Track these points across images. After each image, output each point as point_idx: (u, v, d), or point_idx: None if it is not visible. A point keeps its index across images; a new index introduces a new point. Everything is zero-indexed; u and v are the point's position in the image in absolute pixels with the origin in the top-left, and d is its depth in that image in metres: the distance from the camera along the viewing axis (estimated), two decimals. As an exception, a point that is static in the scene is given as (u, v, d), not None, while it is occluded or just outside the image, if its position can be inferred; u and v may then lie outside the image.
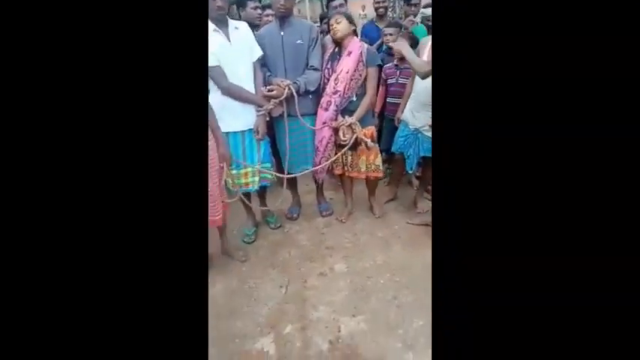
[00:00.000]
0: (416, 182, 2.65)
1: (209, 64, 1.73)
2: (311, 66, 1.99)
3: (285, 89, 1.89)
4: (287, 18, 1.96)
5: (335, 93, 2.00)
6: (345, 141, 2.03)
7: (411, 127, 2.14)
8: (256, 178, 2.02)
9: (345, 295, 1.73)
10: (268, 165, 2.07)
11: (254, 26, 1.97)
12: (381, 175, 2.25)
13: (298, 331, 1.54)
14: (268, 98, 1.91)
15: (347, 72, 1.97)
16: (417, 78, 2.04)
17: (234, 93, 1.83)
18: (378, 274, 1.85)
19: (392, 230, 2.24)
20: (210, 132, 1.65)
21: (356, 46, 1.98)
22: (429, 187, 2.51)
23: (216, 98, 1.82)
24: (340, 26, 1.94)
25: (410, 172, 2.37)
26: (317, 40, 2.00)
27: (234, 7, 2.22)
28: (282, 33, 1.96)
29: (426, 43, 2.03)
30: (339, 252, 2.06)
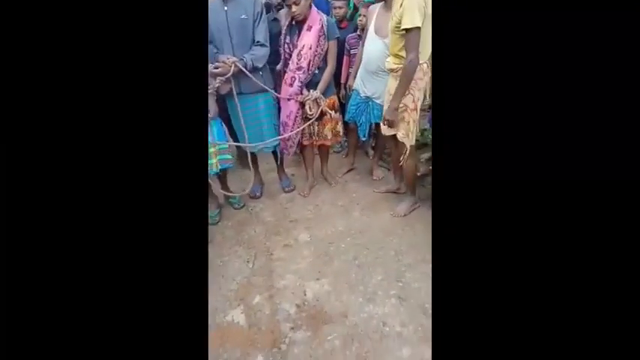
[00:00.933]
0: (372, 152, 2.76)
1: None
2: (257, 42, 1.97)
3: (231, 66, 1.88)
4: None
5: (299, 69, 2.02)
6: (311, 115, 2.08)
7: (362, 95, 2.21)
8: (214, 161, 2.04)
9: (309, 262, 1.83)
10: (225, 146, 2.08)
11: None
12: (339, 139, 2.36)
13: (266, 300, 1.63)
14: (214, 76, 1.90)
15: (310, 48, 1.98)
16: (366, 46, 2.09)
17: None
18: (339, 240, 1.96)
19: (351, 198, 2.35)
20: None
21: (316, 20, 1.98)
22: (384, 156, 2.64)
23: None
24: (300, 8, 1.92)
25: (363, 139, 2.46)
26: (262, 13, 1.97)
27: None
28: (225, 8, 1.91)
29: (374, 10, 2.06)
30: (302, 223, 2.14)
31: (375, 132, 2.45)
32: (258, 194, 2.45)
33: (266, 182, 2.58)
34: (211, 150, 2.01)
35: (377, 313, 1.51)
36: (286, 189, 2.48)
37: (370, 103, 2.19)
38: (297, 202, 2.37)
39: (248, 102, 2.07)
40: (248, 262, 1.88)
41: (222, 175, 2.24)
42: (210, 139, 1.99)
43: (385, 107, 1.93)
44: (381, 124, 1.97)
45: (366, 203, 2.27)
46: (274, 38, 2.10)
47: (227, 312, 1.59)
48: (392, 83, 1.86)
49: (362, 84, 2.19)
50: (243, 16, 1.93)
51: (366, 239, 1.94)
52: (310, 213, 2.24)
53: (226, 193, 2.27)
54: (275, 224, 2.17)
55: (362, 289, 1.63)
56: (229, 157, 2.11)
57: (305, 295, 1.64)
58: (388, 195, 2.32)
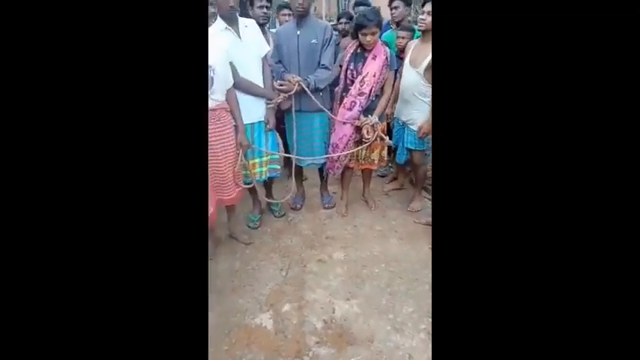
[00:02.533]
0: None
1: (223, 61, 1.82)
2: (322, 65, 2.10)
3: (295, 85, 2.01)
4: (304, 17, 2.07)
5: (361, 95, 2.11)
6: (368, 139, 2.14)
7: (400, 121, 2.34)
8: (264, 169, 2.14)
9: (341, 281, 1.84)
10: (276, 156, 2.19)
11: (259, 25, 2.08)
12: (383, 164, 2.45)
13: (295, 309, 1.66)
14: (278, 92, 2.03)
15: (373, 75, 2.08)
16: (403, 76, 2.21)
17: (244, 87, 1.94)
18: (373, 264, 1.96)
19: (390, 225, 2.34)
20: (233, 120, 1.86)
21: (381, 51, 2.08)
22: (427, 187, 2.62)
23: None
24: (375, 38, 2.04)
25: (398, 162, 2.54)
26: (330, 40, 2.11)
27: (247, 5, 2.33)
28: (298, 32, 2.07)
29: (411, 44, 2.21)
30: (338, 242, 2.16)
31: (408, 156, 2.48)
32: (298, 206, 2.52)
33: (307, 196, 2.65)
34: (263, 159, 2.12)
35: (404, 344, 1.48)
36: (326, 205, 2.53)
37: (405, 129, 2.30)
38: (335, 220, 2.41)
39: (305, 119, 2.18)
40: (282, 270, 1.92)
41: (268, 183, 2.35)
42: (264, 147, 2.10)
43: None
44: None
45: (404, 232, 2.25)
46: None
47: (256, 314, 1.63)
48: None
49: (399, 111, 2.33)
50: (313, 41, 2.08)
51: (401, 268, 1.92)
52: (347, 233, 2.26)
53: (269, 200, 2.36)
54: (311, 238, 2.21)
55: (391, 318, 1.61)
56: (278, 167, 2.22)
57: (333, 312, 1.64)
58: (428, 228, 2.29)
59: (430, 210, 2.41)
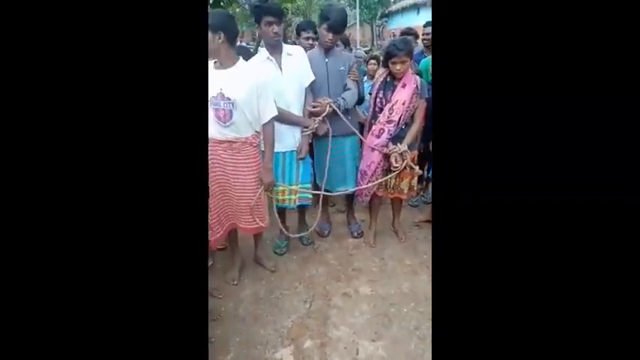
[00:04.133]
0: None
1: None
2: (347, 87, 2.16)
3: (327, 107, 2.03)
4: (332, 49, 2.14)
5: (389, 122, 2.10)
6: (397, 167, 2.10)
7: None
8: (293, 197, 2.13)
9: (367, 319, 1.75)
10: (308, 185, 2.17)
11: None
12: (413, 194, 2.38)
13: (317, 347, 1.58)
14: (311, 115, 2.06)
15: (403, 103, 2.07)
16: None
17: (283, 118, 1.93)
18: (402, 302, 1.85)
19: (421, 259, 2.23)
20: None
21: (411, 80, 2.08)
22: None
23: None
24: (405, 66, 2.04)
25: (415, 188, 2.40)
26: (352, 66, 2.20)
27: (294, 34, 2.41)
28: (326, 60, 2.12)
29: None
30: (365, 275, 2.08)
31: None
32: (326, 233, 2.47)
33: (334, 224, 2.60)
34: (293, 187, 2.10)
35: (433, 398, 1.36)
36: (355, 233, 2.46)
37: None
38: (363, 250, 2.33)
39: (337, 144, 2.17)
40: (305, 302, 1.86)
41: (301, 212, 2.33)
42: (294, 177, 2.09)
43: None
44: None
45: (436, 269, 2.13)
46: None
47: (277, 348, 1.58)
48: None
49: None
50: (341, 68, 2.14)
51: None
52: (375, 265, 2.17)
53: (292, 235, 2.24)
54: (337, 269, 2.14)
55: (420, 365, 1.50)
56: (310, 196, 2.19)
57: (357, 354, 1.55)
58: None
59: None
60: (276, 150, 1.99)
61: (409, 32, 3.01)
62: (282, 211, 2.19)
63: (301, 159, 2.08)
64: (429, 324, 1.71)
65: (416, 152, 2.23)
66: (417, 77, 2.12)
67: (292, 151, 2.06)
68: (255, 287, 1.97)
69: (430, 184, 2.43)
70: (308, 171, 2.16)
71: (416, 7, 13.75)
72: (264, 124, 1.78)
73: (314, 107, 2.04)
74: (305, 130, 2.04)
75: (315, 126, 2.04)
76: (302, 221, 2.39)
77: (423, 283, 2.02)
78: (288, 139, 2.04)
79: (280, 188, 2.08)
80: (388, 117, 2.09)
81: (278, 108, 1.90)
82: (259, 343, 1.61)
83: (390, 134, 2.10)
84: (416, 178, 2.26)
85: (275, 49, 1.93)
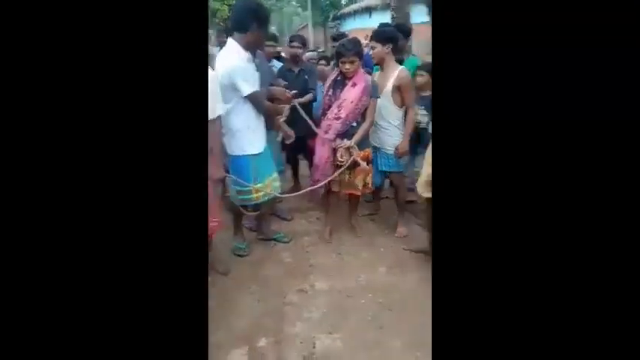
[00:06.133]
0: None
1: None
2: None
3: (290, 98, 2.15)
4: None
5: (337, 119, 2.12)
6: (342, 162, 2.11)
7: (374, 146, 2.34)
8: (262, 192, 2.04)
9: (323, 313, 1.69)
10: (276, 175, 2.16)
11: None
12: (368, 191, 2.36)
13: (272, 345, 1.50)
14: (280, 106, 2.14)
15: (351, 102, 2.09)
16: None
17: (268, 108, 2.01)
18: (359, 295, 1.82)
19: (378, 253, 2.22)
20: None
21: (361, 79, 2.11)
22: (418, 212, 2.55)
23: (241, 122, 1.88)
24: (354, 66, 2.08)
25: (374, 186, 2.44)
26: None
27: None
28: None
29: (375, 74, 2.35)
30: (321, 270, 2.03)
31: (384, 179, 2.48)
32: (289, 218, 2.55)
33: (291, 223, 2.54)
34: (266, 183, 2.04)
35: (392, 384, 1.33)
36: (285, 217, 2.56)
37: (378, 153, 2.32)
38: (319, 247, 2.28)
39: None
40: (260, 301, 1.77)
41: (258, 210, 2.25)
42: (271, 169, 2.08)
43: (428, 170, 1.90)
44: (419, 184, 1.95)
45: (393, 260, 2.14)
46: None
47: (230, 351, 1.47)
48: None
49: (372, 136, 2.32)
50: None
51: (389, 299, 1.79)
52: (332, 261, 2.13)
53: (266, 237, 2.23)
54: (294, 266, 2.07)
55: (378, 354, 1.46)
56: (278, 188, 2.15)
57: (314, 347, 1.49)
58: (419, 255, 2.18)
59: (421, 236, 2.32)
60: (258, 150, 1.99)
61: (341, 36, 3.14)
62: (239, 213, 2.11)
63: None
64: (388, 313, 1.70)
65: (370, 150, 2.26)
66: (368, 77, 2.16)
67: (259, 153, 2.01)
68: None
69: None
70: (271, 163, 2.12)
71: (368, 10, 14.05)
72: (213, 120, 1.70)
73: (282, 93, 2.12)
74: (279, 117, 2.10)
75: (287, 114, 2.11)
76: (261, 220, 2.30)
77: (380, 274, 2.01)
78: (264, 139, 2.03)
79: (249, 188, 1.98)
80: (336, 114, 2.13)
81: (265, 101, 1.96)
82: (212, 345, 1.47)
83: (337, 130, 2.13)
84: (371, 175, 2.27)
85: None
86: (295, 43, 2.71)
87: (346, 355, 1.45)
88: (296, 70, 2.68)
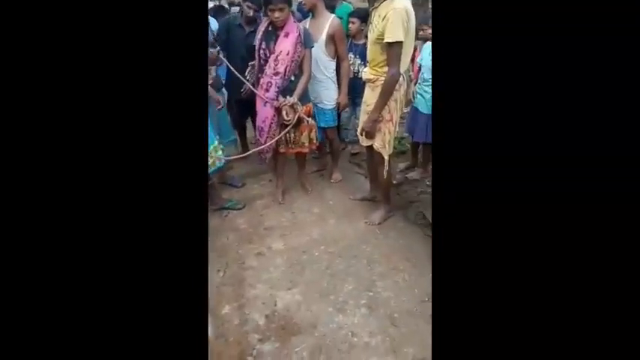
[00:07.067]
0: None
1: None
2: None
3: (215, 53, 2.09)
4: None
5: (276, 74, 2.04)
6: (288, 121, 2.08)
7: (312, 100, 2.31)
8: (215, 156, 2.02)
9: (281, 271, 1.81)
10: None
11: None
12: (314, 147, 2.37)
13: (235, 310, 1.60)
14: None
15: (287, 54, 2.00)
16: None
17: None
18: (313, 248, 1.95)
19: (327, 206, 2.34)
20: None
21: (293, 28, 2.01)
22: (361, 163, 2.66)
23: None
24: (284, 14, 1.97)
25: (315, 140, 2.42)
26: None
27: None
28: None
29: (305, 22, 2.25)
30: (276, 231, 2.12)
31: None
32: (240, 185, 2.56)
33: (244, 189, 2.56)
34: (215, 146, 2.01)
35: (346, 323, 1.50)
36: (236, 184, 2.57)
37: (315, 109, 2.31)
38: (273, 209, 2.35)
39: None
40: (219, 271, 1.84)
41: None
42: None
43: (363, 118, 1.96)
44: (359, 134, 2.01)
45: (342, 211, 2.27)
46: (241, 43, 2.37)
47: (194, 323, 1.55)
48: (369, 94, 1.92)
49: (310, 91, 2.27)
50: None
51: (340, 248, 1.94)
52: (286, 221, 2.22)
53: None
54: (249, 232, 2.14)
55: (332, 299, 1.62)
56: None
57: (275, 305, 1.62)
58: (364, 203, 2.33)
59: (364, 185, 2.45)
60: None
61: None
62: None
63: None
64: (338, 260, 1.85)
65: (311, 105, 2.24)
66: (300, 26, 2.06)
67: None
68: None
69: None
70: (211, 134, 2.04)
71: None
72: None
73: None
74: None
75: (212, 76, 2.06)
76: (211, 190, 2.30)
77: (331, 226, 2.14)
78: None
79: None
80: (274, 69, 2.04)
81: None
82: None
83: (278, 87, 2.06)
84: (315, 130, 2.28)
85: None
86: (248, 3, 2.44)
87: (305, 305, 1.60)
88: (247, 30, 2.41)
